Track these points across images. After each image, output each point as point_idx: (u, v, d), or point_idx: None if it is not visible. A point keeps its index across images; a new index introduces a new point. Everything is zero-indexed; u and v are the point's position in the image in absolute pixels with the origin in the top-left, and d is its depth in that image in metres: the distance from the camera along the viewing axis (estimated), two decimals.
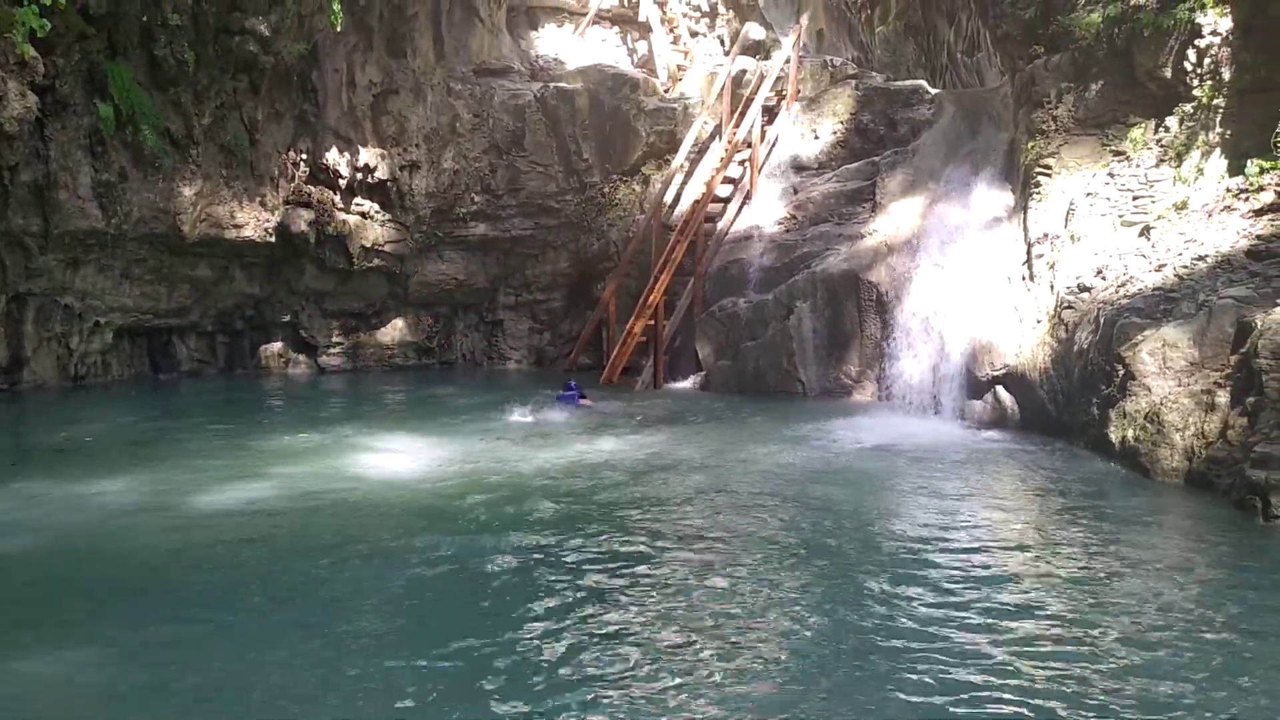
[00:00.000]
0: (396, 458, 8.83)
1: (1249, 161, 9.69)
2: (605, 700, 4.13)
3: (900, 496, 7.49)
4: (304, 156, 15.35)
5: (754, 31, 19.07)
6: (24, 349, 13.48)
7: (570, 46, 18.99)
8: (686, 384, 14.48)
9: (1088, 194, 11.01)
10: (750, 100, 16.11)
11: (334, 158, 15.45)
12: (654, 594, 5.28)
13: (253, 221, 14.63)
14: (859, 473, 8.29)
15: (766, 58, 17.37)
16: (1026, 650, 4.64)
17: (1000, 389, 11.01)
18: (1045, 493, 7.66)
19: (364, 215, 16.04)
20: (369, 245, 16.09)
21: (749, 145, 15.89)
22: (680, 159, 16.29)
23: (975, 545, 6.24)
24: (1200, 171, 10.28)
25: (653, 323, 14.49)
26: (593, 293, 17.17)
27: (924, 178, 13.91)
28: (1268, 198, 9.33)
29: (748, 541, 6.27)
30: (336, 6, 13.48)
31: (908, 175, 14.12)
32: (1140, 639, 4.77)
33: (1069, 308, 10.11)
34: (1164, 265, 9.49)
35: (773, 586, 5.44)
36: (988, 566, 5.83)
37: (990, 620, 4.99)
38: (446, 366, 17.89)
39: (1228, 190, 9.79)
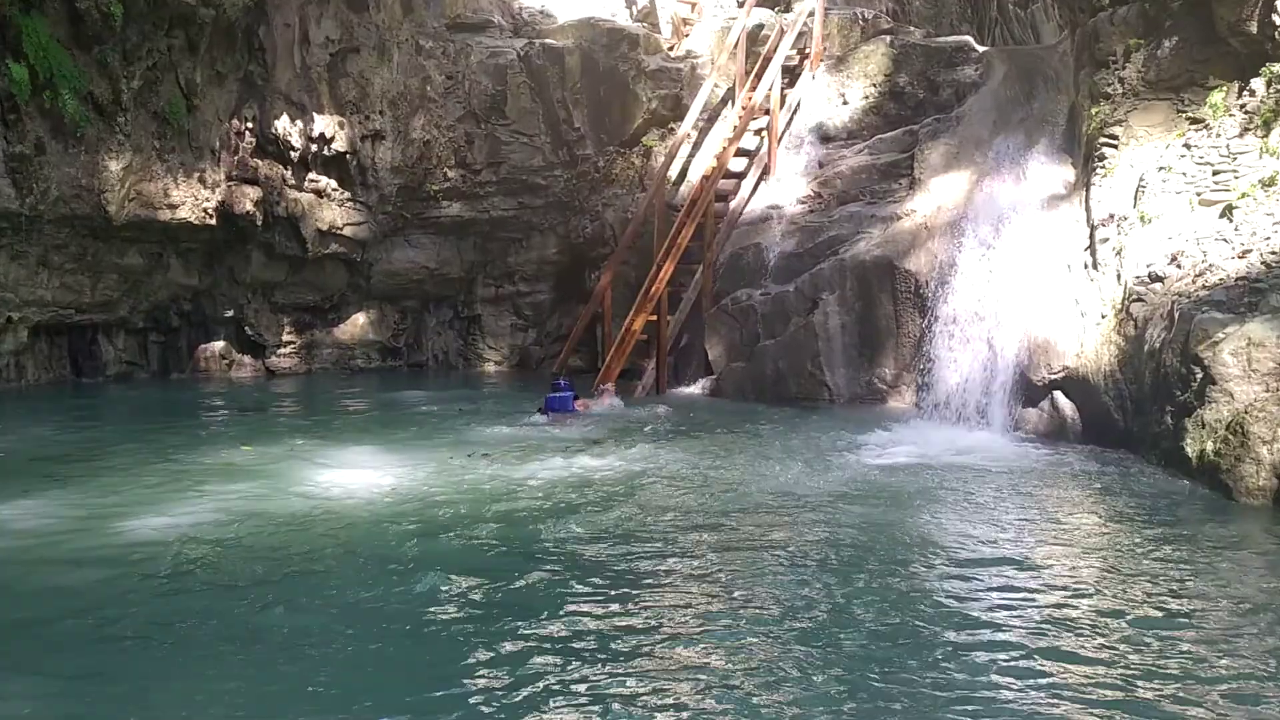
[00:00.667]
0: (355, 475, 8.80)
1: None
2: None
3: (944, 523, 7.43)
4: (250, 126, 15.31)
5: None
6: None
7: None
8: (694, 389, 14.52)
9: (1160, 168, 10.95)
10: (768, 59, 16.10)
11: (285, 127, 15.41)
12: (664, 648, 5.19)
13: (190, 201, 14.58)
14: (896, 495, 8.25)
15: (787, 10, 17.34)
16: (1098, 707, 4.55)
17: (1058, 395, 11.00)
18: (1112, 517, 7.60)
19: (319, 193, 16.03)
20: (325, 228, 16.09)
21: (766, 112, 15.88)
22: (687, 127, 16.28)
23: (1034, 581, 6.17)
24: None
25: (655, 318, 14.50)
26: (585, 283, 17.18)
27: (970, 149, 13.89)
28: None
29: (768, 578, 6.19)
30: None
31: (951, 146, 14.10)
32: (1234, 692, 4.68)
33: (1138, 300, 10.06)
34: (1249, 251, 9.42)
35: (803, 636, 5.35)
36: (1050, 605, 5.75)
37: (1056, 668, 4.91)
38: (416, 369, 17.90)
39: None
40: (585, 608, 5.66)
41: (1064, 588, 6.04)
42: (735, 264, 14.81)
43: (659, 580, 6.13)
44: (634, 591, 5.93)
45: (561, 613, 5.59)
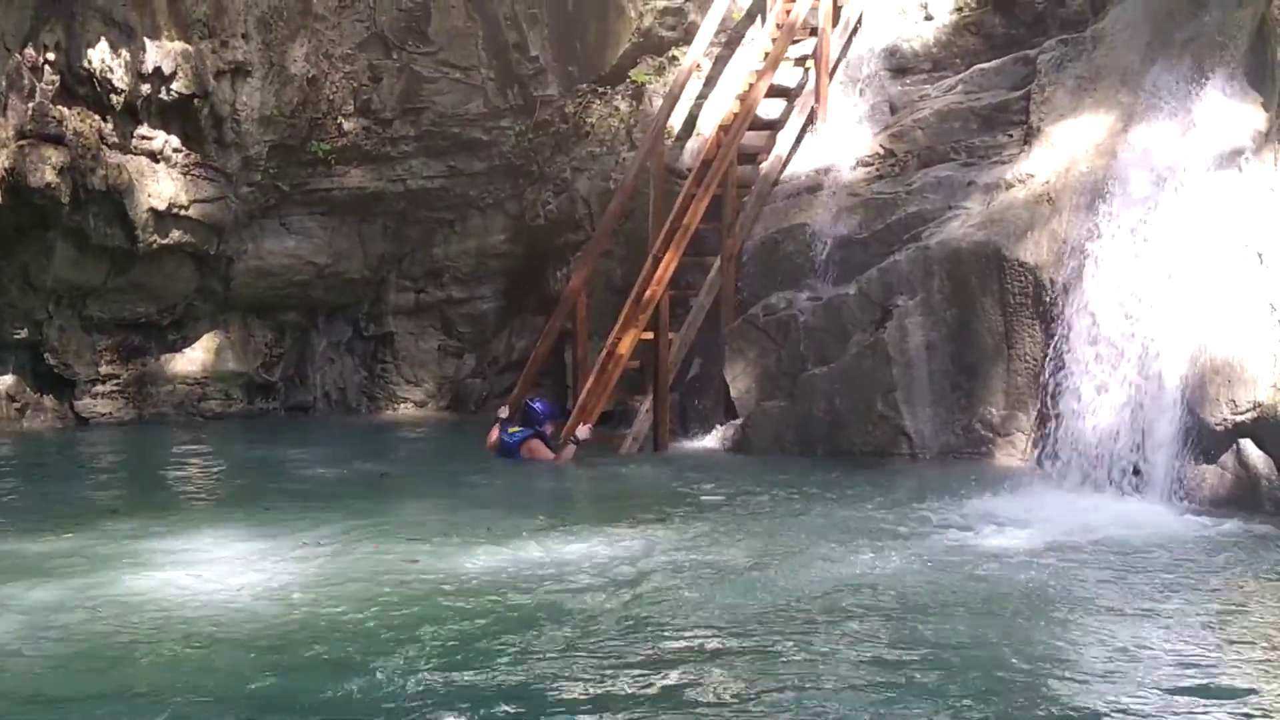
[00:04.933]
0: (201, 570, 8.74)
1: None
2: None
3: (1079, 645, 7.29)
4: (51, 58, 15.20)
5: None
6: None
7: None
8: (709, 442, 14.47)
9: None
10: None
11: (103, 58, 15.32)
12: None
13: None
14: (1004, 599, 8.12)
15: None
16: None
17: (1247, 444, 10.89)
18: None
19: (154, 156, 15.94)
20: (164, 207, 15.98)
21: (813, 31, 15.83)
22: (696, 55, 16.26)
23: None
24: None
25: (651, 336, 14.41)
26: (548, 286, 17.19)
27: (1112, 84, 13.81)
28: None
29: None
30: None
31: (1084, 80, 14.02)
32: None
33: None
34: None
35: None
36: None
37: None
38: (297, 414, 17.76)
39: None
40: None
41: None
42: (768, 256, 14.70)
43: None
44: None
45: None
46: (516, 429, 13.44)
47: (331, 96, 16.67)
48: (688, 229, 14.55)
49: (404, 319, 18.11)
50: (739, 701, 6.40)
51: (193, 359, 17.33)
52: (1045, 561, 9.06)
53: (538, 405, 13.55)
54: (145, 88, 15.62)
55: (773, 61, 15.58)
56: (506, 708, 6.28)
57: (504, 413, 14.12)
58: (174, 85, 15.74)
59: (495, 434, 13.78)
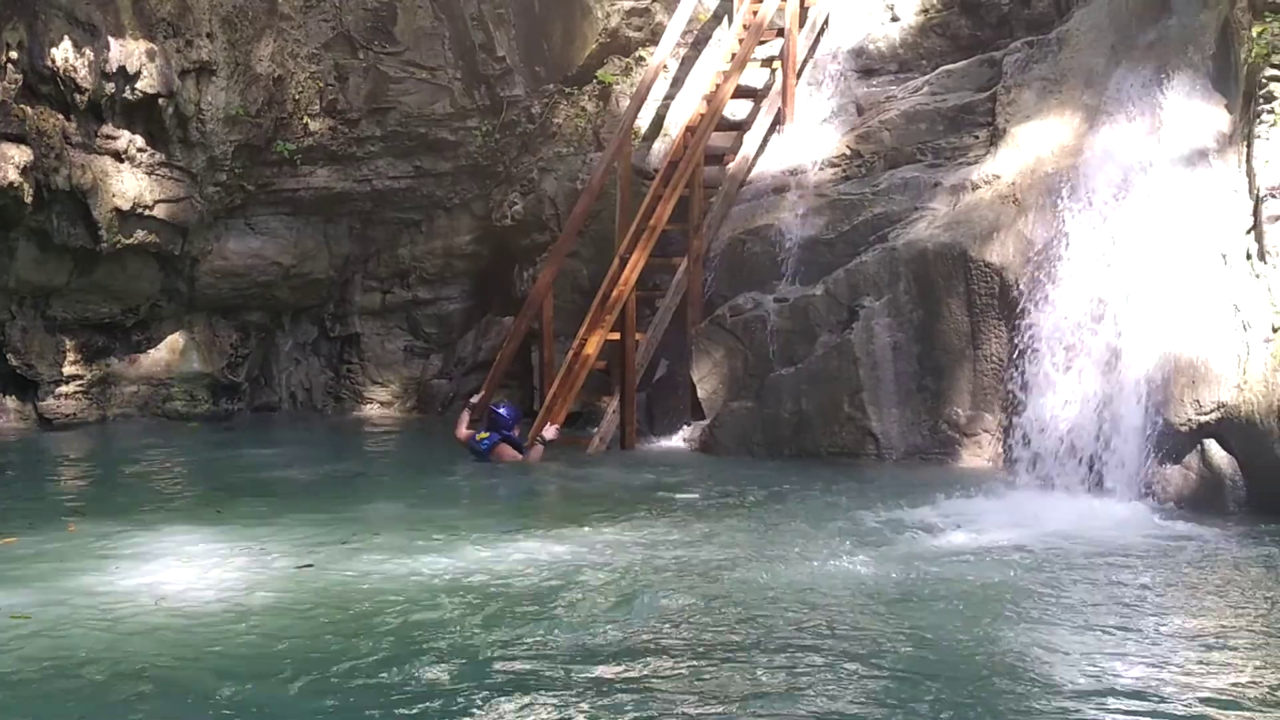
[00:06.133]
0: (171, 574, 8.70)
1: None
2: None
3: (1043, 645, 7.28)
4: (14, 56, 15.09)
5: None
6: None
7: None
8: (675, 441, 14.51)
9: None
10: None
11: (67, 57, 15.22)
12: None
13: None
14: (969, 600, 8.12)
15: None
16: None
17: (1211, 444, 10.94)
18: None
19: (119, 155, 15.86)
20: (128, 207, 15.89)
21: (780, 32, 15.84)
22: (663, 55, 16.27)
23: None
24: None
25: (618, 337, 14.41)
26: (515, 287, 17.16)
27: (1077, 86, 13.88)
28: None
29: None
30: None
31: (1049, 82, 14.09)
32: None
33: None
34: None
35: None
36: None
37: None
38: (263, 414, 17.67)
39: None
40: None
41: None
42: (735, 256, 14.71)
43: None
44: None
45: None
46: (485, 435, 13.41)
47: (297, 96, 16.61)
48: (654, 230, 14.55)
49: (370, 319, 18.06)
50: (700, 701, 6.39)
51: (157, 360, 17.22)
52: (1010, 561, 9.07)
53: (503, 410, 13.52)
54: (109, 87, 15.51)
55: (739, 62, 15.58)
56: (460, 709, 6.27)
57: (476, 400, 14.17)
58: (138, 84, 15.63)
59: (464, 426, 13.85)
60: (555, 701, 6.25)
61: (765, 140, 15.61)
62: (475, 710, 6.17)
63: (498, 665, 6.83)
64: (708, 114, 15.36)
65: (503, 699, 6.30)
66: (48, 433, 16.04)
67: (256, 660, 6.94)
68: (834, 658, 6.98)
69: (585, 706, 6.19)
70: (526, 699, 6.28)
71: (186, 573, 8.77)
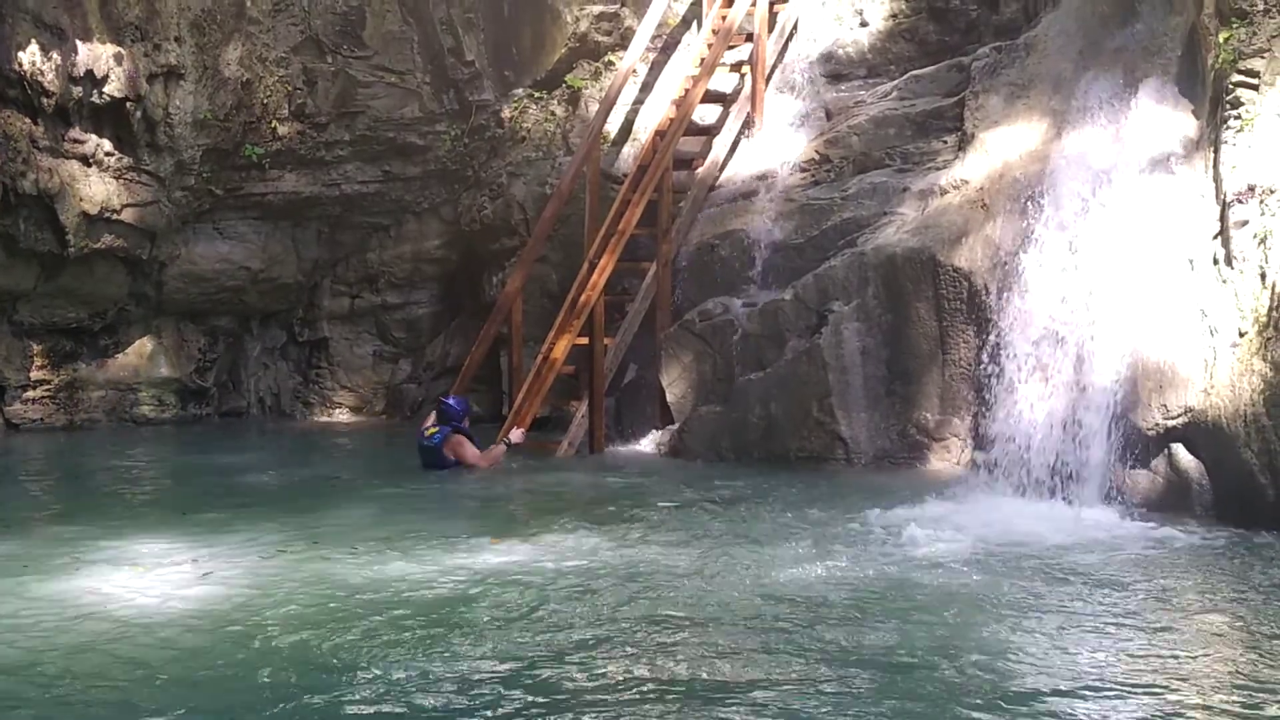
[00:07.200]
0: (146, 577, 8.66)
1: None
2: None
3: (1010, 648, 7.30)
4: None
5: None
6: None
7: None
8: (644, 446, 14.51)
9: None
10: None
11: (33, 60, 15.17)
12: None
13: None
14: (937, 604, 8.12)
15: None
16: None
17: (1178, 448, 10.97)
18: (1259, 641, 7.49)
19: (86, 160, 15.83)
20: (95, 211, 15.87)
21: (749, 37, 15.88)
22: (632, 60, 16.29)
23: None
24: None
25: (586, 341, 14.41)
26: (484, 291, 17.18)
27: (1045, 91, 13.93)
28: None
29: None
30: None
31: (1017, 87, 14.14)
32: None
33: None
34: None
35: None
36: None
37: None
38: (231, 419, 17.62)
39: None
40: None
41: None
42: (705, 261, 14.73)
43: None
44: None
45: None
46: (435, 430, 13.26)
47: (265, 100, 16.59)
48: (623, 234, 14.56)
49: (339, 324, 18.09)
50: (666, 701, 6.39)
51: (125, 364, 17.23)
52: (978, 565, 9.08)
53: (451, 401, 13.42)
54: (77, 90, 15.47)
55: (708, 67, 15.63)
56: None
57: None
58: (106, 88, 15.60)
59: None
60: (510, 711, 6.23)
61: (734, 145, 15.67)
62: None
63: (459, 667, 6.82)
64: (677, 119, 15.40)
65: (460, 709, 6.30)
66: (14, 438, 16.00)
67: (212, 668, 6.90)
68: (801, 662, 6.99)
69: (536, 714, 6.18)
70: (476, 707, 6.28)
71: (142, 580, 8.68)
